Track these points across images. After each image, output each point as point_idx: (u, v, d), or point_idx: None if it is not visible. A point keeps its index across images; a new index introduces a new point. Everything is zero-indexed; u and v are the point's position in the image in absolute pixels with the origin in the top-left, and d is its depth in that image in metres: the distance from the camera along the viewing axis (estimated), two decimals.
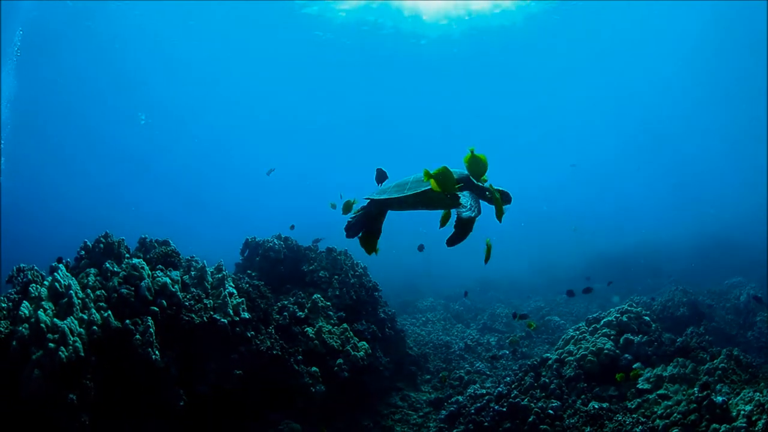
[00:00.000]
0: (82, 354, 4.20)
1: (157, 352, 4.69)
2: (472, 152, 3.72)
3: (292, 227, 9.86)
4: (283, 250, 7.95)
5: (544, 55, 23.40)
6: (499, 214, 3.76)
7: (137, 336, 4.60)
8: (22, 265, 4.65)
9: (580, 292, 9.14)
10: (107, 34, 20.69)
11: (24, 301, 4.24)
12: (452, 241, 3.62)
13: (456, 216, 3.57)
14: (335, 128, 36.00)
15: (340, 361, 6.74)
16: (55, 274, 4.52)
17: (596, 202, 38.88)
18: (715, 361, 6.57)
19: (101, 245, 5.29)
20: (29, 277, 4.56)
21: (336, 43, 22.50)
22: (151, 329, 4.67)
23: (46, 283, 4.50)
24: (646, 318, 7.80)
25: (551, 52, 23.20)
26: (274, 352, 6.20)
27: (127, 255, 5.48)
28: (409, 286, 16.65)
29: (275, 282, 7.79)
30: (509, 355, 9.84)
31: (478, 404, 7.26)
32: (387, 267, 18.66)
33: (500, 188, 3.88)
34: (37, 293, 4.36)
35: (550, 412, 6.78)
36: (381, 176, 4.41)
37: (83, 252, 5.30)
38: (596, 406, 6.62)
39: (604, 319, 7.88)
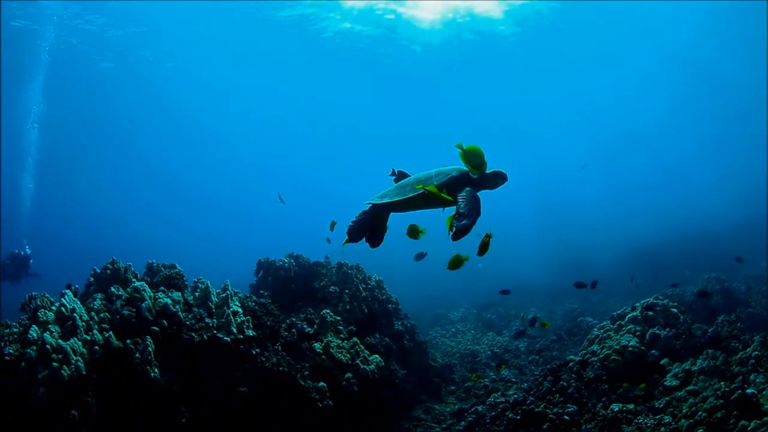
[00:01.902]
0: (84, 372, 4.60)
1: (156, 370, 5.03)
2: (461, 148, 3.91)
3: (334, 223, 9.98)
4: (293, 268, 8.26)
5: (547, 52, 23.66)
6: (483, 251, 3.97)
7: (137, 355, 4.97)
8: (33, 293, 5.15)
9: (597, 285, 8.87)
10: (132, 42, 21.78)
11: (33, 325, 4.71)
12: (454, 238, 3.80)
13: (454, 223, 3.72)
14: (345, 135, 37.47)
15: (348, 375, 6.88)
16: (62, 299, 4.98)
17: (624, 196, 38.21)
18: (747, 349, 6.23)
19: (108, 271, 5.77)
20: (38, 303, 5.05)
21: (342, 50, 23.46)
22: (149, 348, 5.03)
23: (53, 308, 4.97)
24: (674, 310, 7.54)
25: (555, 48, 23.34)
26: (281, 369, 6.42)
27: (134, 279, 5.92)
28: (443, 297, 16.69)
29: (287, 300, 8.10)
30: (537, 359, 9.66)
31: (494, 413, 7.20)
32: (423, 280, 18.82)
33: (496, 169, 4.11)
34: (44, 317, 4.82)
35: (566, 418, 6.62)
36: (401, 177, 4.55)
37: (92, 278, 5.79)
38: (615, 409, 6.41)
39: (629, 315, 7.67)
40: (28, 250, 13.02)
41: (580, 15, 20.09)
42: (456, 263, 4.18)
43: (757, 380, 5.62)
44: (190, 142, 37.10)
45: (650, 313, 7.51)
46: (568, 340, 10.95)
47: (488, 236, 3.91)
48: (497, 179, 4.15)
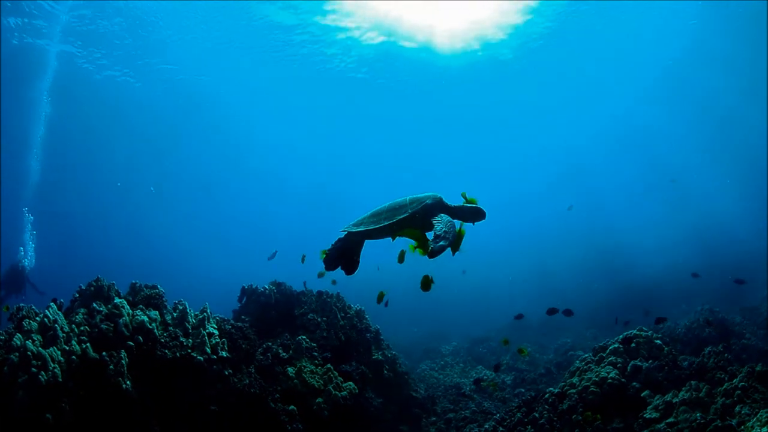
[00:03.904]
0: (60, 379, 5.20)
1: (128, 383, 5.61)
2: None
3: (304, 257, 10.52)
4: (274, 295, 8.86)
5: (539, 78, 25.17)
6: (457, 245, 4.47)
7: (111, 366, 5.57)
8: (21, 304, 5.83)
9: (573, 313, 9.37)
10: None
11: (17, 333, 5.36)
12: (431, 257, 4.28)
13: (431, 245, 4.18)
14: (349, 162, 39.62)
15: (320, 400, 7.35)
16: (46, 311, 5.66)
17: (623, 228, 39.03)
18: (734, 380, 6.34)
19: (92, 288, 6.45)
20: (24, 313, 5.72)
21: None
22: (123, 361, 5.63)
23: (38, 318, 5.63)
24: (658, 342, 7.77)
25: (552, 72, 24.74)
26: (252, 391, 6.95)
27: (116, 297, 6.58)
28: (438, 331, 17.14)
29: (268, 326, 8.65)
30: (523, 392, 9.99)
31: None
32: (419, 314, 19.30)
33: (476, 205, 4.54)
34: (29, 327, 5.48)
35: None
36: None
37: (77, 294, 6.48)
38: None
39: (611, 347, 7.90)
40: (29, 258, 13.91)
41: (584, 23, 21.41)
42: (379, 297, 4.80)
43: (743, 411, 5.74)
44: (216, 152, 38.00)
45: (633, 344, 7.71)
46: (557, 374, 11.25)
47: (428, 277, 4.45)
48: (475, 215, 4.55)
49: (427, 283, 4.37)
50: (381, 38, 21.47)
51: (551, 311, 9.12)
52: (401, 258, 4.43)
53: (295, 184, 44.99)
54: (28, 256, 20.15)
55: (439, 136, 33.90)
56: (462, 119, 30.93)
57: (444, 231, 4.06)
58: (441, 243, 3.95)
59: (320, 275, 7.87)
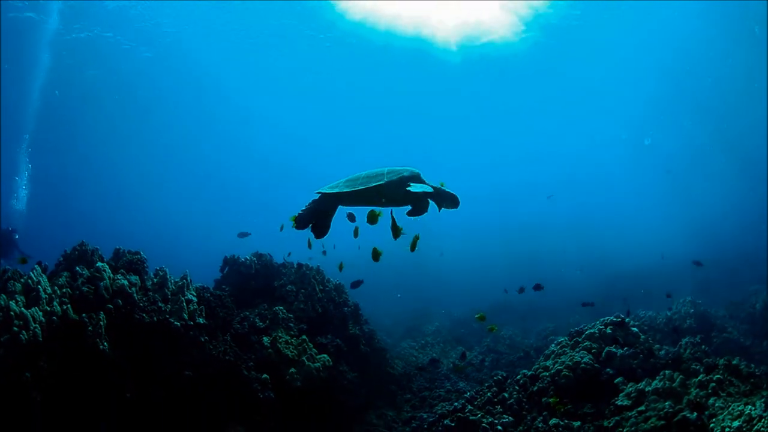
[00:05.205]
0: (40, 339, 5.67)
1: (105, 344, 6.09)
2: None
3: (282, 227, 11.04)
4: (254, 265, 9.32)
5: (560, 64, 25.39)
6: (414, 245, 4.79)
7: (90, 327, 6.04)
8: (6, 267, 6.28)
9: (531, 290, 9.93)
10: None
11: (2, 294, 5.82)
12: (412, 213, 4.53)
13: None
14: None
15: (292, 370, 7.85)
16: (30, 273, 6.10)
17: (609, 218, 39.53)
18: (710, 373, 6.56)
19: (76, 252, 6.90)
20: (9, 275, 6.17)
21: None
22: (102, 323, 6.10)
23: (22, 280, 6.09)
24: (634, 329, 7.98)
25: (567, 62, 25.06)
26: (227, 358, 7.45)
27: (99, 261, 7.02)
28: (423, 310, 17.68)
29: (247, 296, 9.12)
30: (500, 373, 10.53)
31: (432, 419, 8.11)
32: (406, 294, 19.90)
33: (450, 191, 4.83)
34: (13, 288, 5.94)
35: (499, 428, 7.44)
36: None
37: (62, 258, 6.93)
38: (552, 423, 7.11)
39: (587, 332, 8.12)
40: (20, 201, 14.44)
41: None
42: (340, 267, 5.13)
43: (716, 404, 5.93)
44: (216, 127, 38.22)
45: (609, 330, 7.95)
46: (535, 358, 11.72)
47: (377, 249, 4.81)
48: (448, 200, 4.84)
49: (376, 255, 4.72)
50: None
51: (521, 290, 9.63)
52: (356, 233, 4.77)
53: (285, 161, 45.43)
54: (20, 197, 20.73)
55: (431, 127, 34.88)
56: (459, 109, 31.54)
57: (420, 186, 4.34)
58: (418, 188, 4.19)
59: (289, 254, 8.28)
